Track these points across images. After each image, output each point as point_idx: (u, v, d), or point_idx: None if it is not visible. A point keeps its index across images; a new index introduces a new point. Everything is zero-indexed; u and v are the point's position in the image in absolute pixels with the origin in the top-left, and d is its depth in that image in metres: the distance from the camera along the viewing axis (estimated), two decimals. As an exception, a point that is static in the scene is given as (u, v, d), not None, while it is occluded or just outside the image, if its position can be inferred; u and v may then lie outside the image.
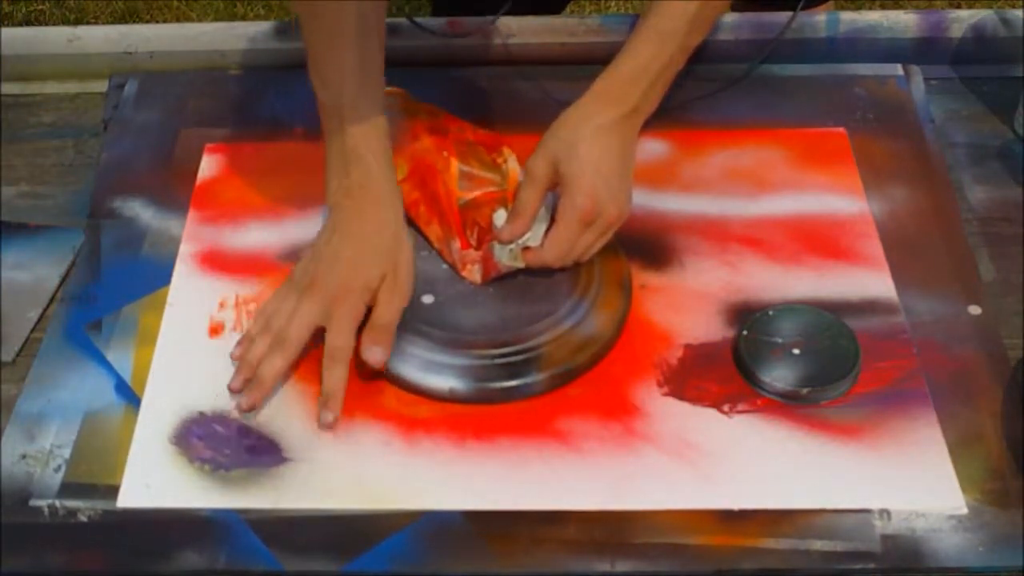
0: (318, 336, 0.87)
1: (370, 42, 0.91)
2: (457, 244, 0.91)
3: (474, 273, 0.92)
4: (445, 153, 0.95)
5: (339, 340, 0.85)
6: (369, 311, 0.87)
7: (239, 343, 0.89)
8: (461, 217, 0.92)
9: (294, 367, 0.87)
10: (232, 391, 0.86)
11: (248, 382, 0.86)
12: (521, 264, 0.90)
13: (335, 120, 0.90)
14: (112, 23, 2.30)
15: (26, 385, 0.88)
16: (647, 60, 0.92)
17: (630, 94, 0.92)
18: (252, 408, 0.85)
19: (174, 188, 1.02)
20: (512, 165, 0.95)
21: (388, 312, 0.87)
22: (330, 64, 0.90)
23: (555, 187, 0.90)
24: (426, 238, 0.95)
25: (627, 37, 0.94)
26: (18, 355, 0.91)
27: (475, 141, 0.98)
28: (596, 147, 0.90)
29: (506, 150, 0.97)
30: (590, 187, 0.89)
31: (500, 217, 0.91)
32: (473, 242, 0.91)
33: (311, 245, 0.90)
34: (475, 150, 0.96)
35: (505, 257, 0.90)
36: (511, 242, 0.89)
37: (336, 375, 0.85)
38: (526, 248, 0.90)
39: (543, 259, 0.90)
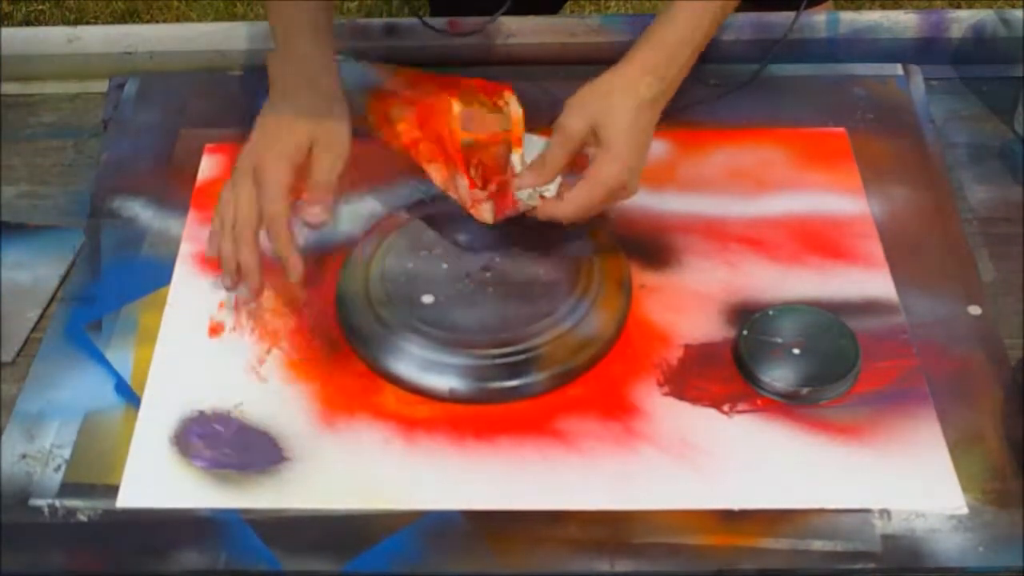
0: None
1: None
2: (465, 182, 0.90)
3: (485, 212, 0.91)
4: (446, 95, 0.94)
5: (271, 206, 0.86)
6: None
7: (209, 239, 0.91)
8: (465, 156, 0.91)
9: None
10: (230, 289, 0.90)
11: (236, 275, 0.89)
12: (536, 204, 0.89)
13: (284, 14, 0.94)
14: (112, 23, 2.30)
15: (26, 385, 0.88)
16: (688, 30, 0.90)
17: (670, 67, 0.90)
18: (260, 292, 0.89)
19: (174, 188, 1.02)
20: (514, 108, 0.93)
21: (322, 169, 0.88)
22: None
23: (586, 147, 0.89)
24: (428, 177, 0.94)
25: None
26: (18, 355, 0.90)
27: (476, 87, 0.97)
28: (639, 121, 0.88)
29: (507, 93, 0.94)
30: (626, 159, 0.87)
31: (517, 159, 0.89)
32: (478, 182, 0.91)
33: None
34: (476, 95, 0.95)
35: (525, 196, 0.88)
36: (530, 189, 0.88)
37: (282, 239, 0.87)
38: (541, 197, 0.88)
39: (557, 214, 0.88)
